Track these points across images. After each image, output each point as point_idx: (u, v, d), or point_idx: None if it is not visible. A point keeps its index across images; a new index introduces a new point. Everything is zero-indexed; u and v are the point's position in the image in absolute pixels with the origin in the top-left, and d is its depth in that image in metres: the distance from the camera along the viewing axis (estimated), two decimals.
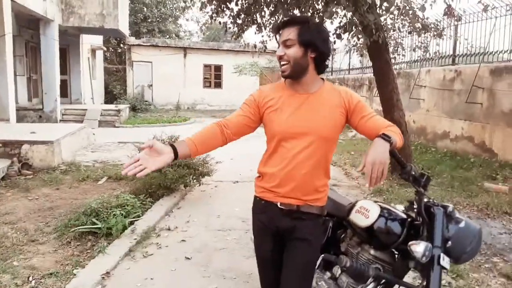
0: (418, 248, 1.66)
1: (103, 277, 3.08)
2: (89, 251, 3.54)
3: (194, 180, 5.36)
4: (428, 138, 9.07)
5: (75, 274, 3.08)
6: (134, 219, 4.14)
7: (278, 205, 1.80)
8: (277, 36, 1.82)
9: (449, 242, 1.73)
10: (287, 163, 1.76)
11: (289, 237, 1.84)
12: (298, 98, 1.78)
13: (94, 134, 9.66)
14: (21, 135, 6.91)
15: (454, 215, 1.80)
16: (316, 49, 1.72)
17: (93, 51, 17.71)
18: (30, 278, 3.03)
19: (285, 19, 1.82)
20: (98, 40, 18.25)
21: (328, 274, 2.17)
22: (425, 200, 1.85)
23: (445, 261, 1.68)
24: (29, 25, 12.71)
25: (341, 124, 1.79)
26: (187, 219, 4.52)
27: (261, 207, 1.88)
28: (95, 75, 17.99)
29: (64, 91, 14.78)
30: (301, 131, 1.74)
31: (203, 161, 5.42)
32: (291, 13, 5.34)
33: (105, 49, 20.54)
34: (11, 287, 2.88)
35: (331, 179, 1.95)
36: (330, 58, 13.19)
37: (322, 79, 1.85)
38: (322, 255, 2.20)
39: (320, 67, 1.79)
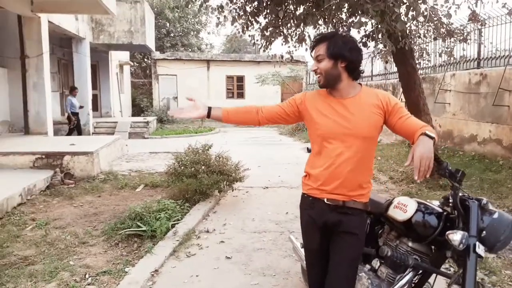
0: (456, 236, 1.81)
1: (152, 275, 3.31)
2: (136, 251, 3.79)
3: (227, 186, 5.58)
4: (455, 142, 9.04)
5: (126, 272, 3.32)
6: (175, 222, 4.38)
7: (325, 201, 1.98)
8: (312, 54, 2.02)
9: (484, 232, 1.87)
10: (331, 163, 1.94)
11: (336, 231, 2.01)
12: (339, 102, 1.97)
13: (126, 145, 10.06)
14: (61, 147, 7.33)
15: (487, 207, 1.94)
16: (345, 59, 1.92)
17: (121, 67, 18.39)
18: (87, 276, 3.29)
19: (316, 37, 2.05)
20: (125, 55, 18.96)
21: (367, 266, 2.33)
22: (460, 194, 2.00)
23: (480, 249, 1.82)
24: (61, 44, 13.38)
25: (379, 124, 1.96)
26: (224, 222, 4.74)
27: (309, 203, 2.06)
28: (123, 89, 18.65)
29: (95, 105, 15.40)
30: (343, 132, 1.93)
31: (235, 167, 5.64)
32: (318, 24, 5.55)
33: (132, 64, 21.27)
34: (71, 283, 3.14)
35: None
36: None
37: (360, 84, 2.03)
38: None
39: (354, 74, 1.97)
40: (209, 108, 2.10)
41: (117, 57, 17.31)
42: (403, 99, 6.80)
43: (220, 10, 5.62)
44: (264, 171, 7.80)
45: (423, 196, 5.48)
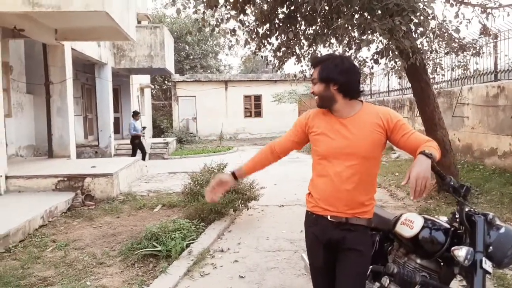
0: (461, 252, 1.79)
1: None
2: (151, 271, 3.84)
3: (242, 205, 5.62)
4: (475, 155, 8.85)
5: None
6: (190, 241, 4.43)
7: (328, 218, 2.00)
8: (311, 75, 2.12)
9: (491, 248, 1.84)
10: (332, 182, 1.97)
11: (341, 248, 2.02)
12: (339, 121, 2.00)
13: (146, 166, 10.26)
14: (83, 169, 7.54)
15: (494, 222, 1.92)
16: (336, 82, 1.95)
17: (142, 90, 18.91)
18: None
19: (311, 61, 2.13)
20: (146, 79, 19.50)
21: (377, 284, 2.30)
22: (466, 209, 1.98)
23: (487, 265, 1.80)
24: (84, 69, 13.90)
25: (380, 142, 1.98)
26: (238, 241, 4.76)
27: (312, 220, 2.08)
28: (144, 111, 19.11)
29: (117, 127, 15.82)
30: (343, 151, 1.96)
31: (250, 185, 5.68)
32: (330, 43, 5.63)
33: (152, 87, 21.84)
34: None
35: (377, 201, 2.14)
36: (368, 81, 13.29)
37: (361, 101, 2.05)
38: (371, 266, 2.36)
39: (349, 94, 1.98)
40: (233, 174, 2.22)
41: (138, 81, 17.81)
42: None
43: (233, 33, 5.78)
44: (280, 188, 7.80)
45: (441, 212, 5.37)
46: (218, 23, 5.67)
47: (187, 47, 25.79)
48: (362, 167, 1.95)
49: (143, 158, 11.86)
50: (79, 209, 6.28)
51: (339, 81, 1.94)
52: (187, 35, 19.89)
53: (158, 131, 20.76)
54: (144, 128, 12.39)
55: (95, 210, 6.22)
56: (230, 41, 5.85)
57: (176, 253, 4.08)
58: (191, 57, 26.02)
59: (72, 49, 10.03)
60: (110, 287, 3.55)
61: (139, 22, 15.91)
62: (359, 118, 1.99)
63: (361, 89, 2.05)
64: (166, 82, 25.18)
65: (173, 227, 4.49)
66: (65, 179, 6.94)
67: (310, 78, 2.08)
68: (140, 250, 4.14)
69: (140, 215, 6.01)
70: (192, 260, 4.01)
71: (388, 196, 6.96)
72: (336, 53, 6.57)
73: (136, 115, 12.42)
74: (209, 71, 26.71)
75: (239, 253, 4.38)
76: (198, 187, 5.50)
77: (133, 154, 12.09)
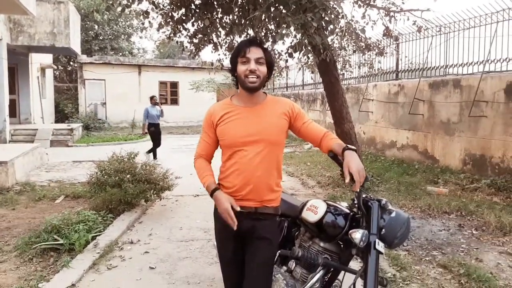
0: (357, 235, 1.94)
1: None
2: (52, 266, 3.56)
3: (155, 195, 5.45)
4: (378, 147, 9.68)
5: None
6: (96, 234, 4.19)
7: (238, 209, 2.02)
8: (246, 54, 1.98)
9: (383, 230, 2.03)
10: (243, 169, 2.00)
11: (250, 237, 2.06)
12: (246, 110, 2.04)
13: (47, 154, 9.42)
14: None
15: (387, 207, 2.11)
16: (271, 69, 2.08)
17: (43, 70, 17.22)
18: None
19: (252, 38, 2.15)
20: (48, 58, 17.80)
21: (284, 268, 2.41)
22: (364, 195, 2.15)
23: (380, 246, 1.97)
24: None
25: (285, 128, 2.09)
26: (149, 232, 4.62)
27: None
28: (45, 94, 17.46)
29: (13, 111, 14.25)
30: (253, 139, 2.00)
31: (163, 175, 5.53)
32: (246, 33, 5.66)
33: (55, 67, 20.01)
34: None
35: (289, 189, 2.24)
36: (284, 74, 13.73)
37: (265, 93, 2.14)
38: (279, 251, 2.45)
39: (266, 83, 2.11)
40: (218, 188, 2.06)
41: (39, 60, 16.18)
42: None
43: (146, 15, 5.51)
44: (196, 178, 7.70)
45: (347, 199, 5.78)
46: (129, 3, 5.35)
47: (96, 27, 24.01)
48: (270, 153, 2.02)
49: (153, 152, 9.79)
50: None
51: (272, 69, 2.06)
52: (93, 13, 18.42)
53: (61, 116, 19.07)
54: (161, 113, 9.91)
55: None
56: (143, 23, 5.57)
57: (80, 247, 3.83)
58: (100, 38, 24.30)
59: None
60: (3, 284, 3.21)
61: None
62: (267, 106, 2.06)
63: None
64: (71, 63, 23.26)
65: (77, 219, 4.21)
66: None
67: (251, 56, 1.96)
68: (39, 244, 3.81)
69: (40, 206, 5.52)
70: (98, 253, 3.80)
71: (300, 185, 7.29)
72: None
73: (151, 99, 10.16)
74: (120, 53, 25.20)
75: (150, 244, 4.25)
76: (106, 176, 5.19)
77: (154, 145, 9.94)
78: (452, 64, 7.60)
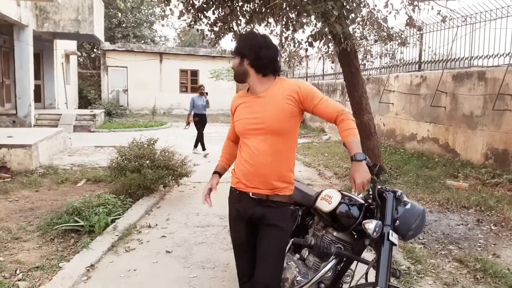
0: (371, 225, 1.95)
1: (88, 269, 3.25)
2: (72, 247, 3.68)
3: (173, 181, 5.54)
4: (397, 140, 9.54)
5: (60, 267, 3.23)
6: (115, 217, 4.30)
7: (250, 195, 2.06)
8: None
9: (397, 221, 2.03)
10: (251, 157, 2.04)
11: (262, 224, 2.09)
12: (251, 100, 2.09)
13: (70, 138, 9.66)
14: None
15: (402, 199, 2.10)
16: (246, 57, 2.04)
17: (67, 56, 17.57)
18: (17, 271, 3.16)
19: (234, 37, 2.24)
20: (72, 45, 18.12)
21: (297, 255, 2.44)
22: (379, 187, 2.15)
23: (393, 237, 1.98)
24: (1, 30, 12.56)
25: (291, 113, 2.01)
26: (167, 217, 4.72)
27: (236, 197, 2.14)
28: (69, 80, 17.84)
29: (38, 96, 14.62)
30: (255, 127, 2.03)
31: (181, 162, 5.61)
32: (266, 22, 5.64)
33: (79, 54, 20.37)
34: None
35: (306, 179, 2.27)
36: (304, 64, 13.58)
37: (275, 76, 2.08)
38: (292, 239, 2.48)
39: (262, 70, 2.04)
40: (217, 172, 2.38)
41: (63, 46, 16.50)
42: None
43: (167, 2, 5.54)
44: (213, 166, 7.79)
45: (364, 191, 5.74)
46: None
47: (120, 14, 24.26)
48: (277, 141, 2.02)
49: (200, 143, 9.19)
50: None
51: (251, 56, 2.01)
52: (116, 0, 18.59)
53: (84, 102, 19.47)
54: (207, 103, 9.48)
55: (12, 183, 5.77)
56: (164, 11, 5.60)
57: (100, 229, 3.95)
58: (123, 25, 24.55)
59: None
60: (27, 262, 3.35)
61: None
62: (270, 93, 2.05)
63: (279, 68, 2.09)
64: (95, 50, 23.61)
65: (97, 202, 4.33)
66: None
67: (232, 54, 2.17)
68: (61, 225, 3.94)
69: (62, 189, 5.69)
70: (117, 235, 3.91)
71: (317, 175, 7.28)
72: (274, 33, 6.64)
73: (198, 88, 9.84)
74: (143, 41, 25.44)
75: (167, 228, 4.34)
76: (126, 162, 5.31)
77: (198, 136, 9.37)
78: (477, 56, 7.38)
